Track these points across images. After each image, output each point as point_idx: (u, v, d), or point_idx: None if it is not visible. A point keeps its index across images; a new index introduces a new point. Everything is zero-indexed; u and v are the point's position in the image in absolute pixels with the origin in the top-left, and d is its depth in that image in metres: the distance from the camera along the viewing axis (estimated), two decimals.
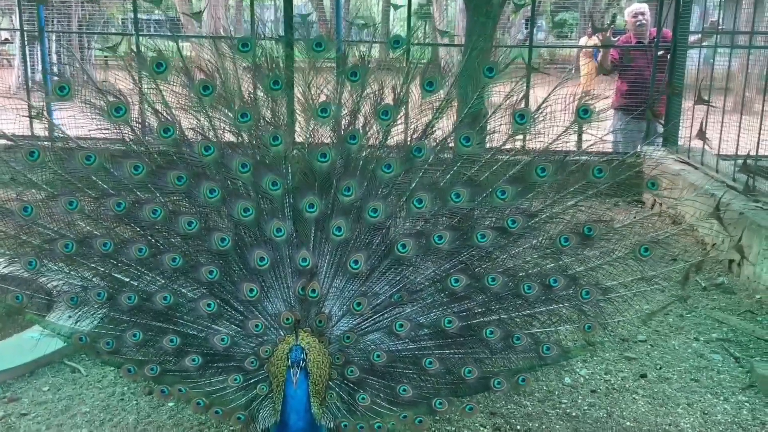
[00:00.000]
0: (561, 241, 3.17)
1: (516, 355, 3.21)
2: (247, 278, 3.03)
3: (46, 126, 3.58)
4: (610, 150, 9.17)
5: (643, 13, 8.92)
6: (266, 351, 3.00)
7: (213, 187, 3.01)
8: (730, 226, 6.04)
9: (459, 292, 3.10)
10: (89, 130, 3.14)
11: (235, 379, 3.05)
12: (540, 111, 3.20)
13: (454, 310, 3.12)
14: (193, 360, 3.06)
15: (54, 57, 12.79)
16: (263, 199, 3.08)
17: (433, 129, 3.20)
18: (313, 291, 2.96)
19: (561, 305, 3.24)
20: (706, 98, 7.27)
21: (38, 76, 10.89)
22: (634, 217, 3.43)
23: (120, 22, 17.79)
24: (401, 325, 3.04)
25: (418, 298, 3.12)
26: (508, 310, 3.19)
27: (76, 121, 3.14)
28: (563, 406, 4.01)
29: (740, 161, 6.82)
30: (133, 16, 9.45)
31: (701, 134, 7.07)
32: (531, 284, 3.13)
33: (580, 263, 3.27)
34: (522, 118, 3.17)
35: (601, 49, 9.37)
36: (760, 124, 6.42)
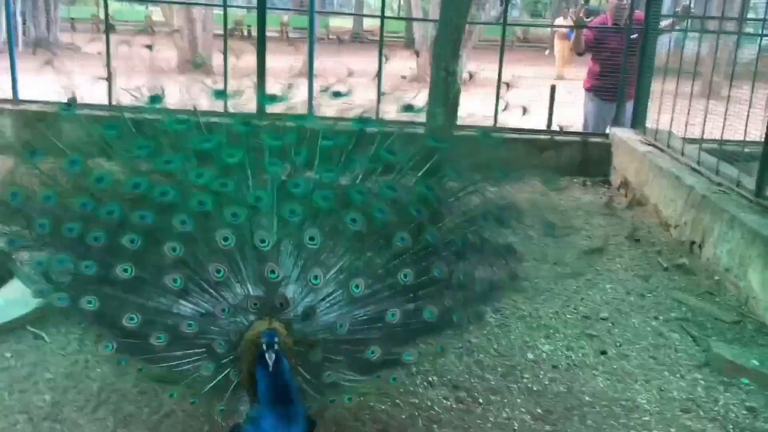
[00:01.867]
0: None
1: (471, 292, 3.29)
2: (211, 264, 2.95)
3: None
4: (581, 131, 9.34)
5: None
6: (236, 335, 2.95)
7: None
8: (693, 208, 6.17)
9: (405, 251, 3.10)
10: None
11: (207, 367, 2.99)
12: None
13: (408, 264, 3.10)
14: (159, 338, 2.98)
15: (19, 18, 12.46)
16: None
17: None
18: (273, 272, 2.91)
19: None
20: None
21: (2, 37, 10.59)
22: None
23: None
24: (357, 286, 3.00)
25: (370, 264, 3.10)
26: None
27: None
28: (525, 380, 4.08)
29: (706, 145, 6.94)
30: None
31: None
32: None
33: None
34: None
35: (575, 30, 9.41)
36: (726, 108, 6.52)
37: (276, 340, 2.66)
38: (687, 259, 6.00)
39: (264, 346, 2.64)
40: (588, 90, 9.25)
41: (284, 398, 2.73)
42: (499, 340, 4.50)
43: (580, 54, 9.45)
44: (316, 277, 2.99)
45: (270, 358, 2.62)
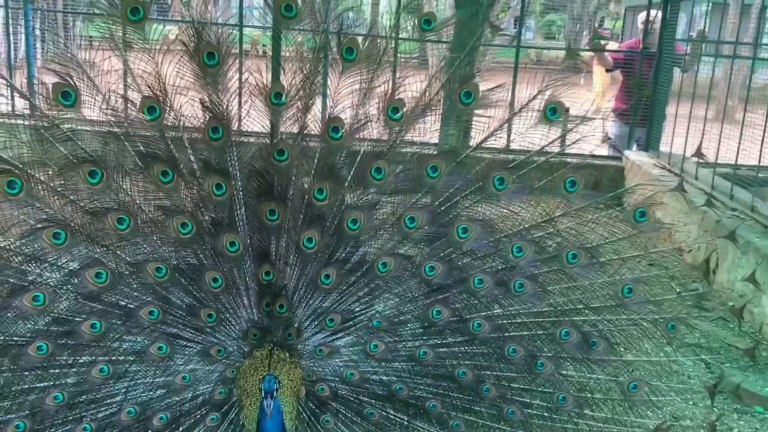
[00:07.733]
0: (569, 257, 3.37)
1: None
2: (203, 305, 2.87)
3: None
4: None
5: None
6: (233, 371, 2.94)
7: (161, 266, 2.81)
8: (706, 233, 6.11)
9: (440, 326, 3.08)
10: None
11: (212, 419, 2.96)
12: None
13: (431, 344, 3.10)
14: (161, 419, 2.89)
15: (38, 33, 12.60)
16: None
17: None
18: (282, 306, 2.88)
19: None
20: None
21: (21, 54, 10.73)
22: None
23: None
24: (376, 346, 3.01)
25: (396, 329, 3.07)
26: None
27: None
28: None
29: (720, 169, 6.89)
30: None
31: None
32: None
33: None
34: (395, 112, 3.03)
35: (595, 53, 9.33)
36: (741, 133, 6.49)
37: (276, 386, 2.63)
38: (700, 285, 5.93)
39: (262, 393, 2.61)
40: (613, 111, 9.15)
41: None
42: None
43: (608, 70, 9.35)
44: (331, 320, 2.96)
45: (268, 406, 2.59)
